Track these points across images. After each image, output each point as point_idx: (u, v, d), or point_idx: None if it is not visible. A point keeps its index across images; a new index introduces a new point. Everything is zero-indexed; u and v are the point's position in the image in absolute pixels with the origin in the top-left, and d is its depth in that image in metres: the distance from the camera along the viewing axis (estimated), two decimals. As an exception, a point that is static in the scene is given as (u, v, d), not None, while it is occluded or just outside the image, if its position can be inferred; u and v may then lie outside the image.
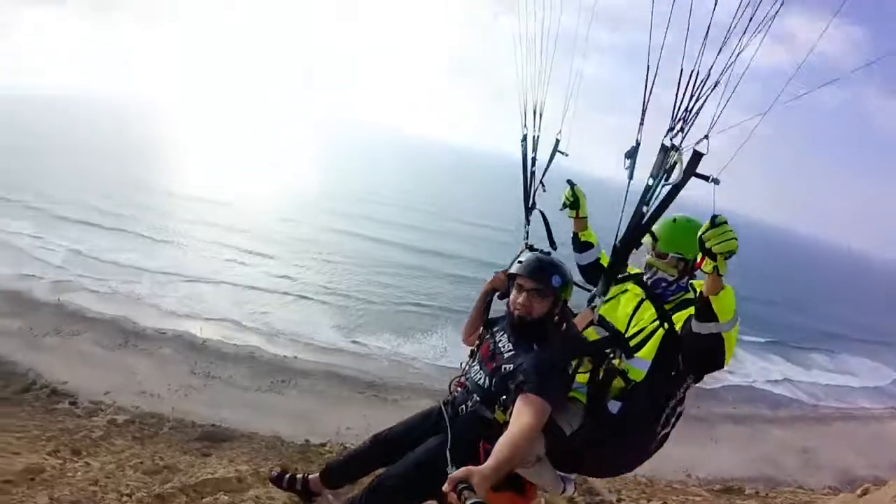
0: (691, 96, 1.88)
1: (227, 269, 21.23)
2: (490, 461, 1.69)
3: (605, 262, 2.92)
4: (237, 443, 9.97)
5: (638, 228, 2.07)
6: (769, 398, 18.38)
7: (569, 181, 2.88)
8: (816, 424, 17.12)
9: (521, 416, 1.94)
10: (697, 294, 2.19)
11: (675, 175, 1.92)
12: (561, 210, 2.87)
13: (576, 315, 2.41)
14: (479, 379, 2.43)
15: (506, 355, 2.40)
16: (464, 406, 2.44)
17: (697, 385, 2.47)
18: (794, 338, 25.84)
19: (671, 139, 1.96)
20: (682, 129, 1.92)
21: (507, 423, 2.02)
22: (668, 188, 1.96)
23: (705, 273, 2.03)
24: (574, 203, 2.90)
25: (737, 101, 1.78)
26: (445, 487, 1.55)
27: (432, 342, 17.93)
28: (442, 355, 17.01)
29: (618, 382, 2.34)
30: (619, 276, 2.61)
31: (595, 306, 2.31)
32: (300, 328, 17.11)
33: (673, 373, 2.32)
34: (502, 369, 2.35)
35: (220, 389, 12.90)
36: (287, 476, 2.83)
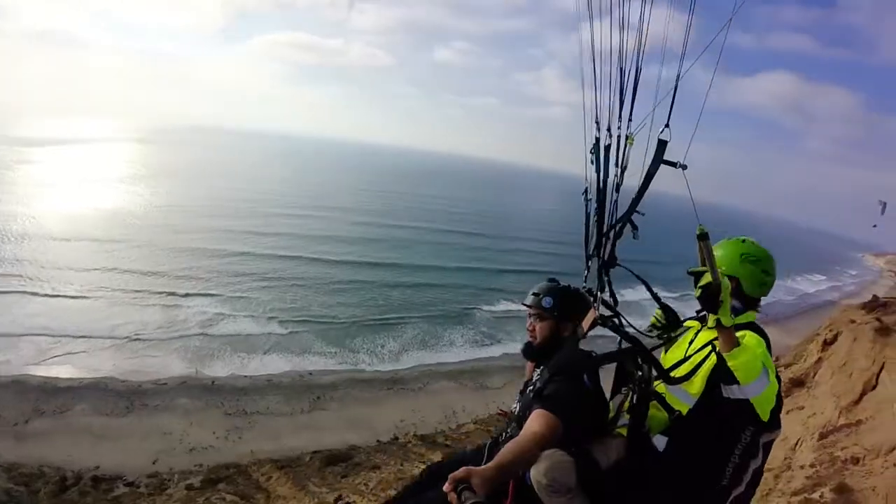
0: (632, 98, 2.32)
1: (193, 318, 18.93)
2: (492, 462, 1.71)
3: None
4: (349, 465, 10.91)
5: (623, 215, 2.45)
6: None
7: (661, 304, 2.75)
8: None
9: (529, 426, 2.04)
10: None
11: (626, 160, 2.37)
12: (647, 332, 2.72)
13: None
14: (516, 407, 2.56)
15: (534, 379, 2.50)
16: (503, 434, 2.54)
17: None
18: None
19: (623, 132, 2.35)
20: (629, 121, 2.33)
21: None
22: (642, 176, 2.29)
23: (711, 328, 1.98)
24: (665, 326, 2.73)
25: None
26: (445, 487, 1.55)
27: (411, 336, 20.07)
28: (422, 345, 19.61)
29: (661, 414, 2.27)
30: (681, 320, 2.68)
31: (597, 304, 2.60)
32: (291, 350, 17.14)
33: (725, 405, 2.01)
34: (528, 392, 2.48)
35: (267, 422, 12.85)
36: None
